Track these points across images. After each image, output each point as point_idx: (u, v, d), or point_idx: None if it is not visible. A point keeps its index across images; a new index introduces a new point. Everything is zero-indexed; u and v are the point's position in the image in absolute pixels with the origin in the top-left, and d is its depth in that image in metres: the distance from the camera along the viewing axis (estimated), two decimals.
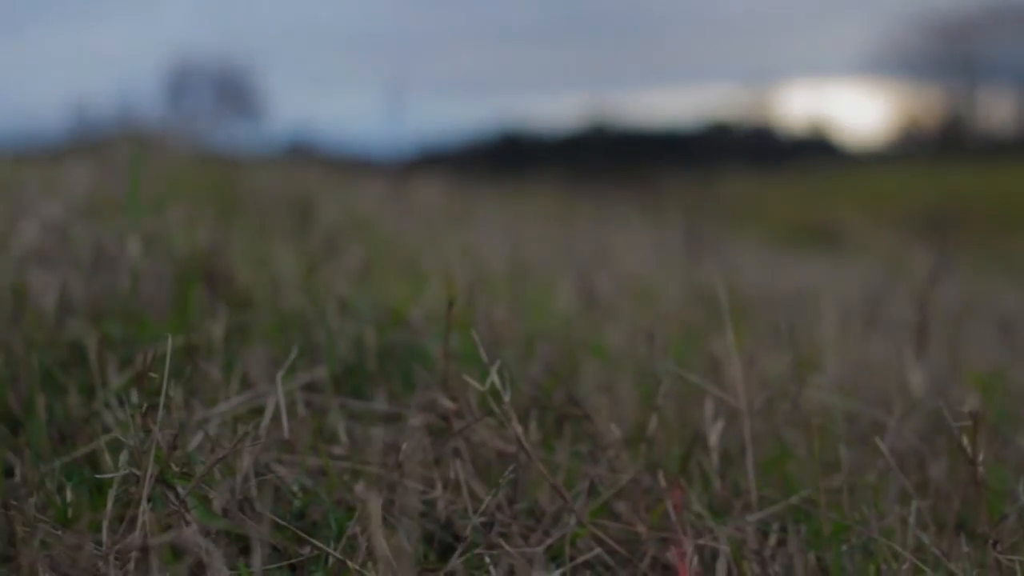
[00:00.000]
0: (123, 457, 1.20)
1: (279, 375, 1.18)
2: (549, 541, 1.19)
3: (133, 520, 1.10)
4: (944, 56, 24.48)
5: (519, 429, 1.17)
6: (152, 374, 1.10)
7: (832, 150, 24.70)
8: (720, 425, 1.34)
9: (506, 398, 1.16)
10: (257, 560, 0.86)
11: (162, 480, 1.09)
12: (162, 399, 1.07)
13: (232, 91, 16.14)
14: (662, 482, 1.23)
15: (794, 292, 3.53)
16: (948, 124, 24.85)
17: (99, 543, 1.08)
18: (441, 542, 1.22)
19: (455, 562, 1.13)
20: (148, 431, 1.09)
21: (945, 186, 16.19)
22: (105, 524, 1.07)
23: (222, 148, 5.86)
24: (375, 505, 0.84)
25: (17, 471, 1.18)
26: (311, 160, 5.34)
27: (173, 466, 1.09)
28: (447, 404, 1.24)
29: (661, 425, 1.37)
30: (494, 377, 1.16)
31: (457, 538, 1.23)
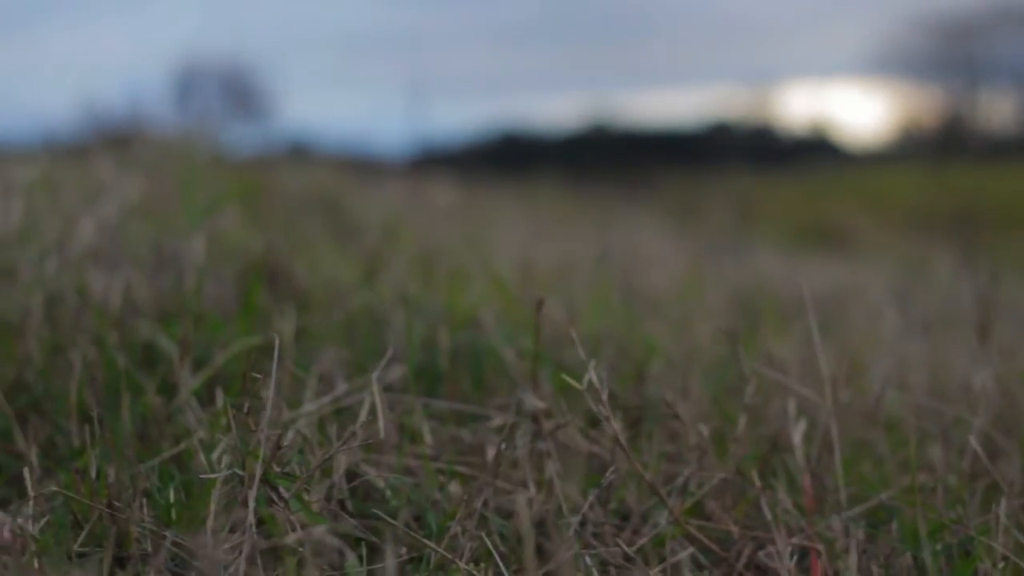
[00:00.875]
0: (220, 457, 1.20)
1: (375, 376, 1.18)
2: (643, 540, 1.19)
3: (234, 520, 1.09)
4: (945, 56, 24.49)
5: (617, 428, 1.17)
6: (256, 374, 1.09)
7: (833, 150, 24.71)
8: (802, 424, 1.34)
9: (604, 396, 1.16)
10: (391, 561, 0.86)
11: (264, 480, 1.09)
12: (270, 400, 1.06)
13: (239, 92, 16.13)
14: (756, 482, 1.23)
15: (828, 292, 3.52)
16: (949, 124, 24.87)
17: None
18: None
19: (558, 561, 1.13)
20: (250, 431, 1.09)
21: (949, 186, 16.19)
22: (210, 524, 1.07)
23: (238, 148, 5.85)
24: (523, 506, 0.84)
25: (112, 472, 1.18)
26: (331, 161, 5.34)
27: (275, 466, 1.08)
28: (537, 404, 1.24)
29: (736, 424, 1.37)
30: (592, 376, 1.16)
31: (547, 537, 1.23)
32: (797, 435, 1.33)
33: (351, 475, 1.23)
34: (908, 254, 5.76)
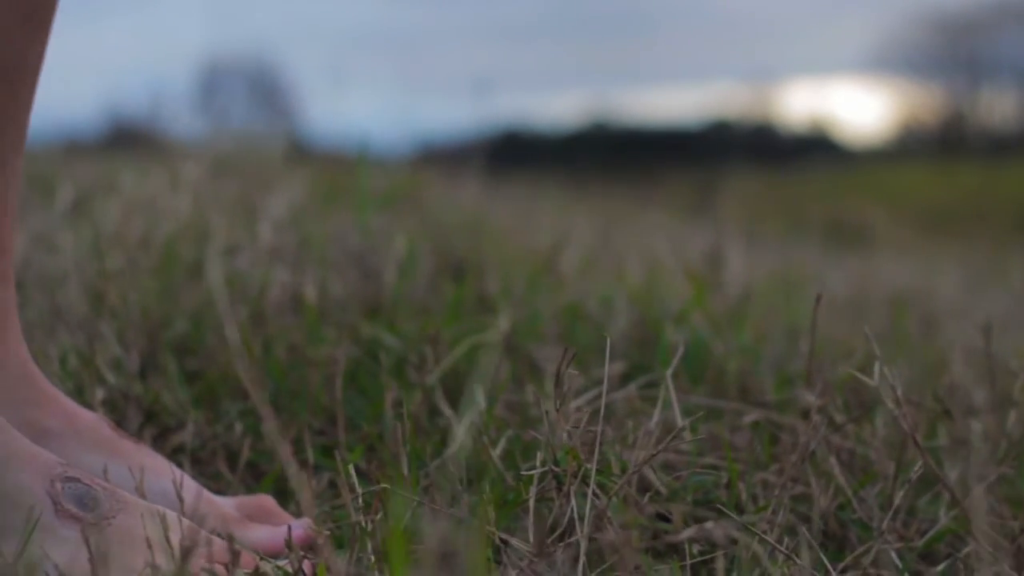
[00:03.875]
0: (501, 454, 1.20)
1: (668, 372, 1.18)
2: (929, 535, 1.20)
3: (547, 519, 1.09)
4: (946, 53, 24.59)
5: (910, 423, 1.17)
6: (572, 370, 1.09)
7: (834, 148, 24.77)
8: None
9: (898, 392, 1.17)
10: (806, 557, 0.86)
11: (580, 478, 1.09)
12: (603, 400, 1.06)
13: (266, 90, 16.07)
14: None
15: (908, 292, 3.53)
16: (950, 122, 24.96)
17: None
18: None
19: (861, 555, 1.13)
20: (562, 428, 1.09)
21: (957, 184, 16.23)
22: (531, 522, 1.07)
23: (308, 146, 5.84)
24: (979, 501, 0.85)
25: (406, 474, 1.17)
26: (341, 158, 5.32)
27: (589, 465, 1.08)
28: (810, 400, 1.24)
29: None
30: (885, 371, 1.17)
31: (825, 534, 1.23)
32: None
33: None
34: (962, 255, 5.78)
